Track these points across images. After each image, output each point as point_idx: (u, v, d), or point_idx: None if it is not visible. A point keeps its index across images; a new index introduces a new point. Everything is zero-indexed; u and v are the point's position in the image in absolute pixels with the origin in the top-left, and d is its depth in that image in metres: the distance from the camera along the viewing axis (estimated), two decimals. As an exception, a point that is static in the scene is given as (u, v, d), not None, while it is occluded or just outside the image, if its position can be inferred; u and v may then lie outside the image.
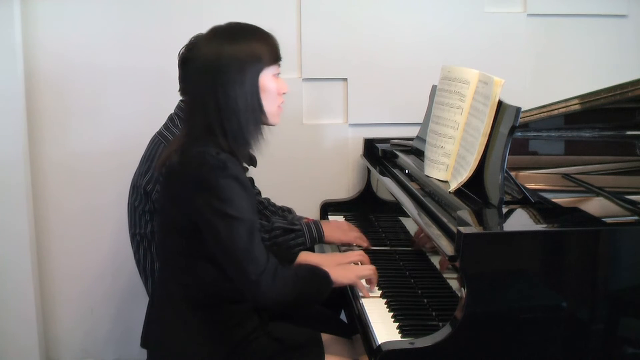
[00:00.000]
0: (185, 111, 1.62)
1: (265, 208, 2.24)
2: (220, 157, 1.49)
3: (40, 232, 2.59)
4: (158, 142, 2.00)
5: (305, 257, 1.83)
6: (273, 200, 2.31)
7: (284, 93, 1.63)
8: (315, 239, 2.01)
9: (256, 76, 1.55)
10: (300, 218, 2.24)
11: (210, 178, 1.47)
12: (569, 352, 1.42)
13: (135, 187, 2.02)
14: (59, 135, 2.54)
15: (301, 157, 2.63)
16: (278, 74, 1.61)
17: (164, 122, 2.07)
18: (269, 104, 1.59)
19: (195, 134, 1.54)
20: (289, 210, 2.28)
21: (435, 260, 1.69)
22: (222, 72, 1.51)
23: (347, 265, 1.76)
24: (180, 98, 2.08)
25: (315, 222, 2.03)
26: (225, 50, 1.52)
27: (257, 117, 1.56)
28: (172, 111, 2.08)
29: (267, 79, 1.57)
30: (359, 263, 1.81)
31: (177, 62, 2.02)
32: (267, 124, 1.62)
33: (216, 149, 1.50)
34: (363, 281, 1.73)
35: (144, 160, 2.02)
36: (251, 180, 1.69)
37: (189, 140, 1.55)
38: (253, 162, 1.70)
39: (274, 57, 1.58)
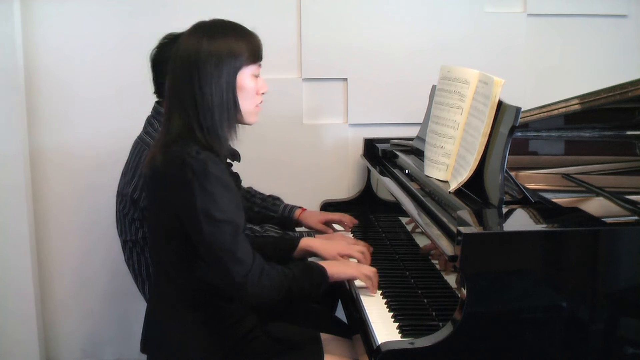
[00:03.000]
0: (164, 108, 1.61)
1: (253, 196, 2.22)
2: (200, 157, 1.48)
3: (40, 232, 2.59)
4: (141, 148, 1.98)
5: (306, 243, 1.83)
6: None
7: (263, 93, 1.62)
8: None
9: (233, 74, 1.54)
10: (293, 207, 2.22)
11: (192, 180, 1.47)
12: (569, 352, 1.42)
13: (121, 195, 2.01)
14: (58, 134, 2.55)
15: (301, 157, 2.63)
16: (257, 74, 1.60)
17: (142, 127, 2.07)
18: (246, 103, 1.58)
19: (174, 131, 1.54)
20: (278, 199, 2.26)
21: (438, 262, 1.69)
22: (199, 68, 1.51)
23: (347, 261, 1.75)
24: (156, 100, 2.06)
25: (309, 235, 2.02)
26: (204, 46, 1.52)
27: (231, 115, 1.55)
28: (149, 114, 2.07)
29: (245, 77, 1.56)
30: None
31: (149, 63, 2.01)
32: (243, 123, 1.61)
33: (196, 148, 1.49)
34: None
35: (128, 168, 2.00)
36: (236, 175, 1.68)
37: (168, 139, 1.54)
38: (236, 157, 1.69)
39: (254, 57, 1.57)
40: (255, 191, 2.24)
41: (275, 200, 2.25)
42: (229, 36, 1.55)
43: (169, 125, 1.56)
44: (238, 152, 1.68)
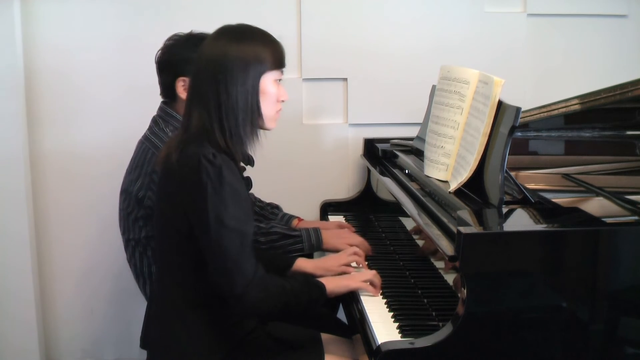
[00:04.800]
0: (185, 107, 1.62)
1: (253, 204, 2.22)
2: (216, 161, 1.48)
3: (40, 232, 2.59)
4: (146, 148, 1.98)
5: (300, 264, 1.82)
6: (272, 200, 2.31)
7: (283, 101, 1.64)
8: (313, 246, 2.00)
9: (257, 78, 1.55)
10: (291, 217, 2.23)
11: (207, 183, 1.47)
12: (569, 352, 1.42)
13: (126, 193, 2.01)
14: (59, 135, 2.55)
15: (301, 157, 2.63)
16: (280, 80, 1.62)
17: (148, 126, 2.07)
18: (267, 108, 1.59)
19: (192, 131, 1.55)
20: (277, 207, 2.27)
21: (437, 262, 1.69)
22: (226, 70, 1.52)
23: (346, 274, 1.75)
24: (162, 100, 2.06)
25: (315, 229, 2.02)
26: (231, 49, 1.53)
27: (254, 119, 1.57)
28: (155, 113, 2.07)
29: (268, 82, 1.58)
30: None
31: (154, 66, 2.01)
32: (263, 128, 1.62)
33: (212, 150, 1.50)
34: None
35: (133, 167, 2.00)
36: (248, 180, 1.69)
37: (186, 138, 1.55)
38: (250, 162, 1.70)
39: (278, 63, 1.59)
40: (255, 198, 2.25)
41: (273, 209, 2.25)
42: (256, 41, 1.57)
43: (188, 125, 1.57)
44: (252, 157, 1.69)
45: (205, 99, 1.54)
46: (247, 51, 1.54)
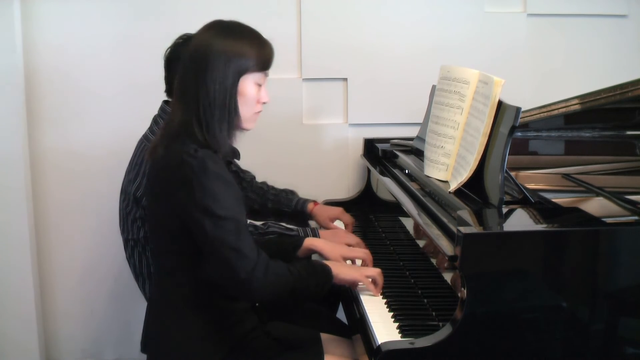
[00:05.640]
0: (172, 99, 1.61)
1: (267, 192, 2.21)
2: (198, 155, 1.48)
3: (40, 232, 2.59)
4: (145, 146, 1.98)
5: (310, 243, 1.81)
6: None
7: (263, 103, 1.61)
8: None
9: (237, 77, 1.53)
10: (306, 201, 2.22)
11: (192, 178, 1.47)
12: (569, 352, 1.42)
13: (125, 193, 2.01)
14: (59, 134, 2.55)
15: (301, 157, 2.63)
16: (261, 84, 1.59)
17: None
18: (244, 109, 1.57)
19: (174, 124, 1.54)
20: (292, 192, 2.25)
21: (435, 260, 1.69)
22: (208, 63, 1.51)
23: (351, 264, 1.75)
24: (164, 100, 2.06)
25: (313, 229, 2.01)
26: (216, 43, 1.52)
27: (232, 118, 1.55)
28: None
29: (248, 84, 1.56)
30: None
31: (162, 62, 2.01)
32: (240, 128, 1.60)
33: (194, 146, 1.49)
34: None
35: (132, 166, 2.00)
36: (236, 173, 1.67)
37: (169, 131, 1.55)
38: (236, 155, 1.69)
39: (262, 65, 1.57)
40: (269, 186, 2.23)
41: (288, 194, 2.23)
42: (243, 39, 1.55)
43: (172, 117, 1.56)
44: (238, 150, 1.68)
45: (186, 92, 1.53)
46: (231, 46, 1.52)
